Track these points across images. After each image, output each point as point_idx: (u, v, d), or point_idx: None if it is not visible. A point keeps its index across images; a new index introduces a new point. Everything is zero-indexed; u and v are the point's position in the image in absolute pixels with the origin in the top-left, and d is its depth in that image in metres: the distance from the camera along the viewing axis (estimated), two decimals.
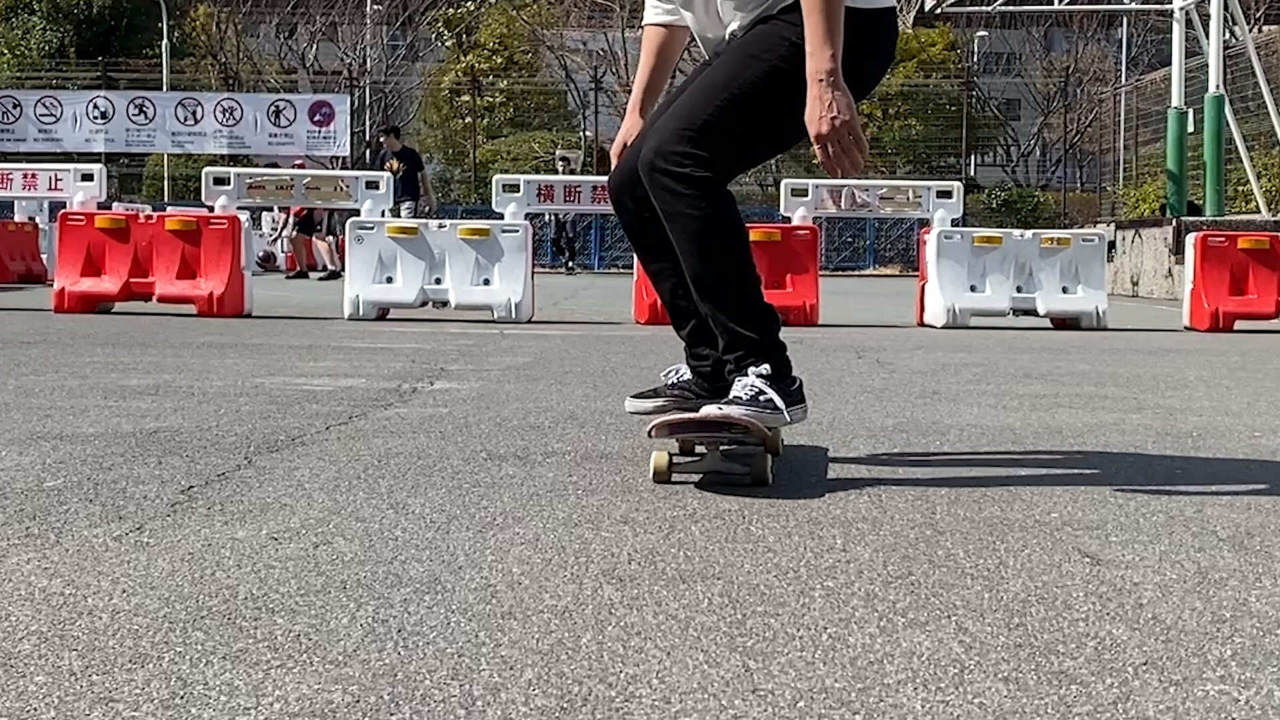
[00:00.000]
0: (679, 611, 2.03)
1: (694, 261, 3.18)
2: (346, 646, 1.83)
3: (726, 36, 3.29)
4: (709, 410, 3.10)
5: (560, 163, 28.51)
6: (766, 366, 3.13)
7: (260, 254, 20.55)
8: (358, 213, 10.69)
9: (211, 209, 10.62)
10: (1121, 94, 32.58)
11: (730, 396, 3.12)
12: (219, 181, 10.80)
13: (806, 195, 11.04)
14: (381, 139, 21.01)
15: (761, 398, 3.09)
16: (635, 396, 3.52)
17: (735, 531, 2.61)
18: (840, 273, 30.72)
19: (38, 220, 17.99)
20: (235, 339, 7.69)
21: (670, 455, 3.17)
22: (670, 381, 3.49)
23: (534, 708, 1.60)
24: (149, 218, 10.50)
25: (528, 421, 4.24)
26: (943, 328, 10.27)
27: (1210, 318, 10.63)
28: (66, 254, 10.30)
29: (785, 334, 3.27)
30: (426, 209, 19.39)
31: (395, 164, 19.18)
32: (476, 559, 2.34)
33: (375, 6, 45.10)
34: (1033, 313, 10.69)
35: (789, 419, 3.15)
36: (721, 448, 3.17)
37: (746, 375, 3.13)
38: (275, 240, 24.25)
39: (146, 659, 1.76)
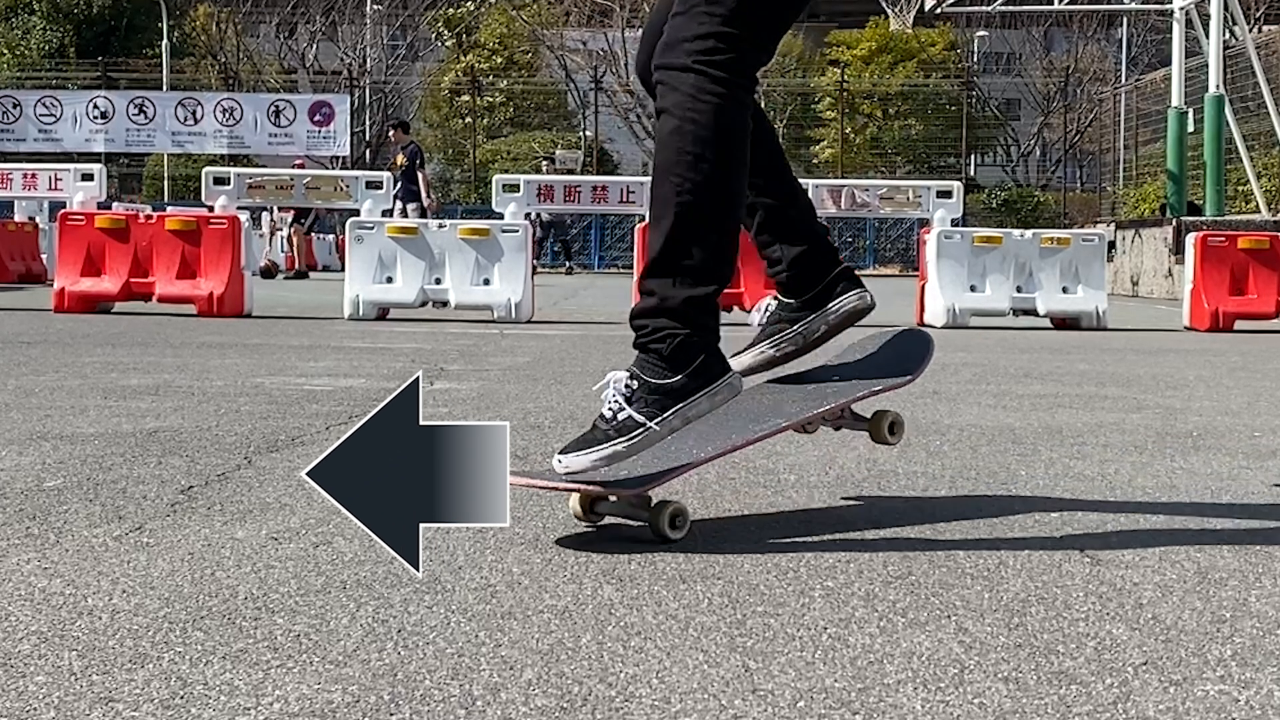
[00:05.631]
0: (679, 611, 2.03)
1: (659, 169, 2.49)
2: (346, 646, 1.83)
3: None
4: (554, 464, 2.46)
5: (545, 162, 28.13)
6: (627, 375, 2.47)
7: (263, 263, 20.23)
8: (358, 212, 10.70)
9: (211, 209, 10.63)
10: (1121, 94, 32.61)
11: (592, 425, 2.49)
12: (219, 181, 10.81)
13: None
14: (390, 133, 20.77)
15: (621, 415, 2.45)
16: (735, 354, 2.75)
17: (735, 532, 2.61)
18: None
19: (38, 220, 18.02)
20: (235, 339, 7.69)
21: (592, 496, 2.59)
22: (760, 322, 2.80)
23: (534, 708, 1.60)
24: (149, 217, 10.51)
25: (528, 421, 4.23)
26: (943, 327, 10.27)
27: (1210, 318, 10.64)
28: (66, 254, 10.31)
29: None
30: (427, 210, 18.93)
31: (400, 159, 18.96)
32: (476, 559, 2.34)
33: (375, 6, 45.09)
34: (1033, 313, 10.69)
35: (661, 431, 2.47)
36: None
37: (615, 385, 2.48)
38: (273, 240, 24.17)
39: (146, 659, 1.76)
